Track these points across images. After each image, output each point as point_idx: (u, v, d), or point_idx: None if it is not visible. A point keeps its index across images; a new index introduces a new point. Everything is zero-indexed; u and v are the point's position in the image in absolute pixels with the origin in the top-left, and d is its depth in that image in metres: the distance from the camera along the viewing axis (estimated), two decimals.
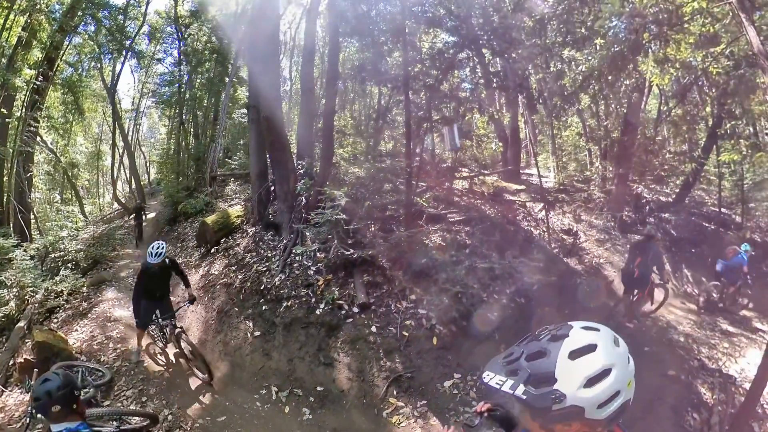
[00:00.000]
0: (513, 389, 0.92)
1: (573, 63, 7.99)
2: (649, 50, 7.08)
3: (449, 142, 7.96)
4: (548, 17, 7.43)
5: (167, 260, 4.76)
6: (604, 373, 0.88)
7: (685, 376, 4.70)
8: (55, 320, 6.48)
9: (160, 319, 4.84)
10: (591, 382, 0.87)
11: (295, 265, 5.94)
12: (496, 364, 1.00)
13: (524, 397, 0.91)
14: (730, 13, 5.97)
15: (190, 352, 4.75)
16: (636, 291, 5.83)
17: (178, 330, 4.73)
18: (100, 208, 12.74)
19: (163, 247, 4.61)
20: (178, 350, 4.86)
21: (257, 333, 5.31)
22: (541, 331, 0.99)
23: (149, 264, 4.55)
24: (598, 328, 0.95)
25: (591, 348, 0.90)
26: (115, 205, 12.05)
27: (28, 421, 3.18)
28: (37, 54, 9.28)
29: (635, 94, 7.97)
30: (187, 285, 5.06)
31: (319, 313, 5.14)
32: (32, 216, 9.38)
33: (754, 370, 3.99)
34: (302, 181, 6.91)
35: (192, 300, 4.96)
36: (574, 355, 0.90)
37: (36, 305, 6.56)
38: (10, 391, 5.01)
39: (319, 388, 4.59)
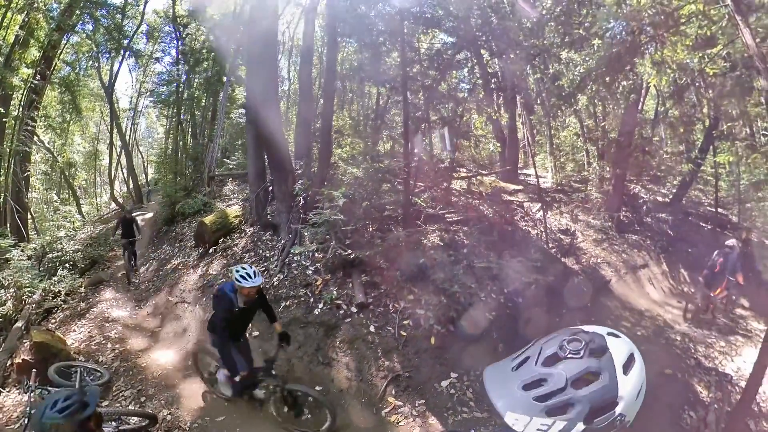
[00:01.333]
0: (567, 431, 0.76)
1: (571, 64, 8.03)
2: (646, 52, 7.13)
3: (447, 143, 7.99)
4: (546, 19, 7.46)
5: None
6: (644, 379, 0.84)
7: (682, 375, 4.74)
8: (53, 321, 6.47)
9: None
10: (639, 391, 0.82)
11: (294, 265, 5.95)
12: (520, 401, 0.81)
13: None
14: (726, 16, 6.03)
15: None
16: (715, 288, 6.32)
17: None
18: (97, 208, 12.72)
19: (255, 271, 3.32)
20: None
21: (255, 333, 5.30)
22: (562, 345, 0.84)
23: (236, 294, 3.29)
24: (618, 334, 0.89)
25: (633, 357, 0.84)
26: (113, 205, 12.02)
27: (26, 422, 3.18)
28: (34, 53, 9.24)
29: (632, 96, 8.02)
30: (275, 319, 3.85)
31: (317, 312, 5.15)
32: (29, 216, 9.35)
33: (750, 368, 4.03)
34: (300, 182, 6.93)
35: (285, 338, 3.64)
36: (626, 368, 0.82)
37: (33, 306, 6.55)
38: (8, 392, 4.99)
39: (318, 388, 4.60)
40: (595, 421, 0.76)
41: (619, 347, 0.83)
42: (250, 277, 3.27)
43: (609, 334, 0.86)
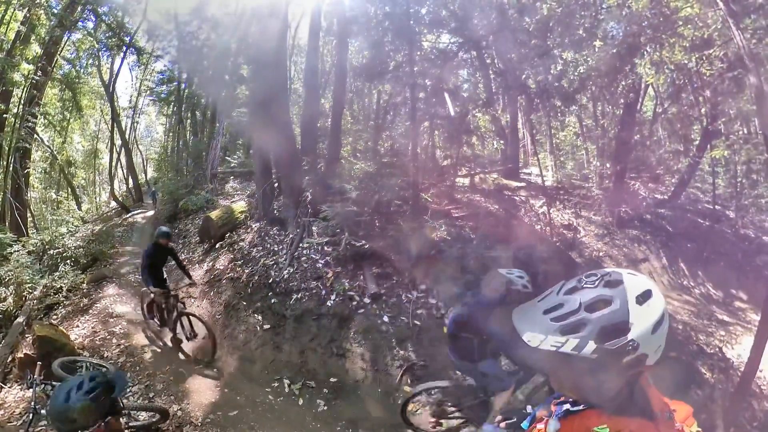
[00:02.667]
0: (579, 349, 0.81)
1: (571, 64, 8.23)
2: (645, 53, 7.36)
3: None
4: (548, 20, 7.66)
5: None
6: (663, 317, 0.85)
7: (686, 358, 4.86)
8: (55, 317, 6.35)
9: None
10: (656, 327, 0.83)
11: (303, 258, 5.95)
12: (540, 323, 0.86)
13: (595, 355, 0.80)
14: (720, 19, 6.28)
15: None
16: None
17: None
18: (96, 206, 12.53)
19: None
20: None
21: (267, 326, 5.28)
22: (581, 279, 0.90)
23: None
24: (640, 275, 0.90)
25: (649, 293, 0.86)
26: (113, 204, 11.86)
27: (31, 417, 3.06)
28: (35, 49, 9.15)
29: (631, 95, 8.24)
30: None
31: (330, 304, 5.15)
32: (29, 214, 9.18)
33: (749, 354, 4.18)
34: (308, 177, 6.96)
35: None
36: (640, 300, 0.84)
37: (35, 302, 6.42)
38: (10, 387, 4.87)
39: (332, 380, 4.58)
40: (606, 343, 0.80)
41: (636, 281, 0.87)
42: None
43: (629, 273, 0.89)
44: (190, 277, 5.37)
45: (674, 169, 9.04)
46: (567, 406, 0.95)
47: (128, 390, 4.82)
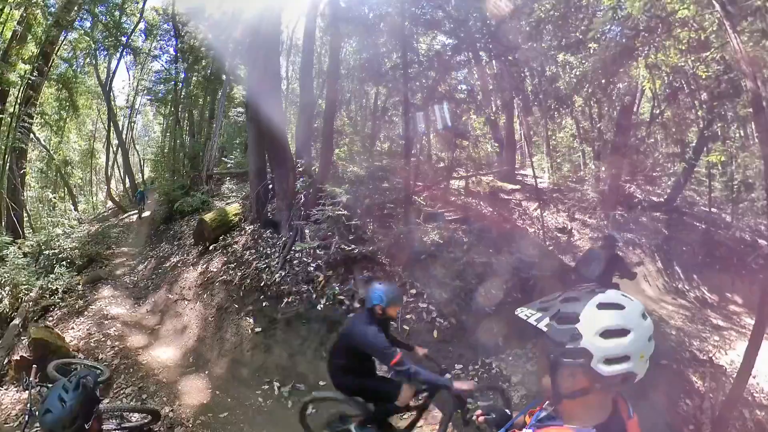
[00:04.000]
0: (538, 322, 0.99)
1: (567, 66, 8.20)
2: (641, 56, 7.31)
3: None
4: (544, 22, 7.62)
5: None
6: (622, 332, 0.92)
7: (677, 366, 4.85)
8: (51, 318, 6.40)
9: None
10: (607, 334, 0.92)
11: (295, 261, 5.96)
12: (533, 304, 1.06)
13: (545, 329, 0.97)
14: (716, 21, 6.23)
15: None
16: None
17: None
18: (93, 206, 12.57)
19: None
20: None
21: (258, 329, 5.31)
22: (581, 287, 1.05)
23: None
24: (633, 299, 0.99)
25: (618, 306, 0.96)
26: (109, 204, 11.90)
27: (26, 419, 3.11)
28: (32, 49, 9.15)
29: (627, 98, 8.20)
30: None
31: (320, 308, 5.18)
32: (25, 214, 9.23)
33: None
34: (301, 179, 6.96)
35: None
36: (602, 306, 0.95)
37: (30, 303, 6.47)
38: (6, 389, 4.93)
39: (321, 383, 4.61)
40: (557, 324, 0.97)
41: (613, 295, 0.99)
42: None
43: (623, 294, 1.01)
44: None
45: (670, 171, 9.01)
46: (543, 414, 1.07)
47: (121, 392, 4.92)
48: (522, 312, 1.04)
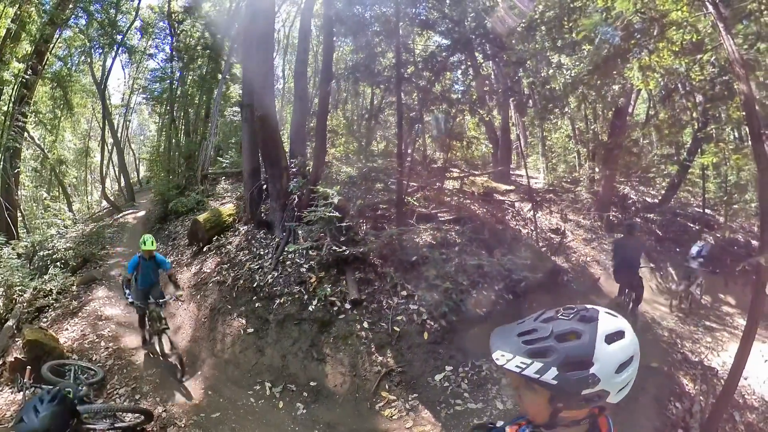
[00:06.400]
0: (541, 373, 0.85)
1: (562, 68, 8.20)
2: (634, 57, 7.31)
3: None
4: (538, 23, 7.61)
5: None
6: (630, 360, 0.88)
7: (668, 368, 4.89)
8: (45, 319, 6.41)
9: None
10: (621, 367, 0.86)
11: (288, 262, 5.98)
12: (511, 344, 0.91)
13: (555, 382, 0.85)
14: (709, 23, 6.22)
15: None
16: None
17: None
18: (88, 206, 12.53)
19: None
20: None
21: (250, 330, 5.34)
22: (559, 310, 0.95)
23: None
24: (617, 316, 0.94)
25: (621, 334, 0.89)
26: (104, 203, 11.88)
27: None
28: (26, 47, 9.09)
29: (621, 99, 8.21)
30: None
31: (311, 309, 5.20)
32: (19, 213, 9.20)
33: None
34: (295, 180, 6.96)
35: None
36: (610, 339, 0.87)
37: (24, 304, 6.47)
38: (0, 391, 4.96)
39: (312, 384, 4.65)
40: (568, 373, 0.85)
41: (609, 321, 0.91)
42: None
43: (607, 312, 0.93)
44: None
45: (664, 172, 9.04)
46: (527, 431, 1.00)
47: (115, 392, 4.95)
48: (508, 360, 0.89)
